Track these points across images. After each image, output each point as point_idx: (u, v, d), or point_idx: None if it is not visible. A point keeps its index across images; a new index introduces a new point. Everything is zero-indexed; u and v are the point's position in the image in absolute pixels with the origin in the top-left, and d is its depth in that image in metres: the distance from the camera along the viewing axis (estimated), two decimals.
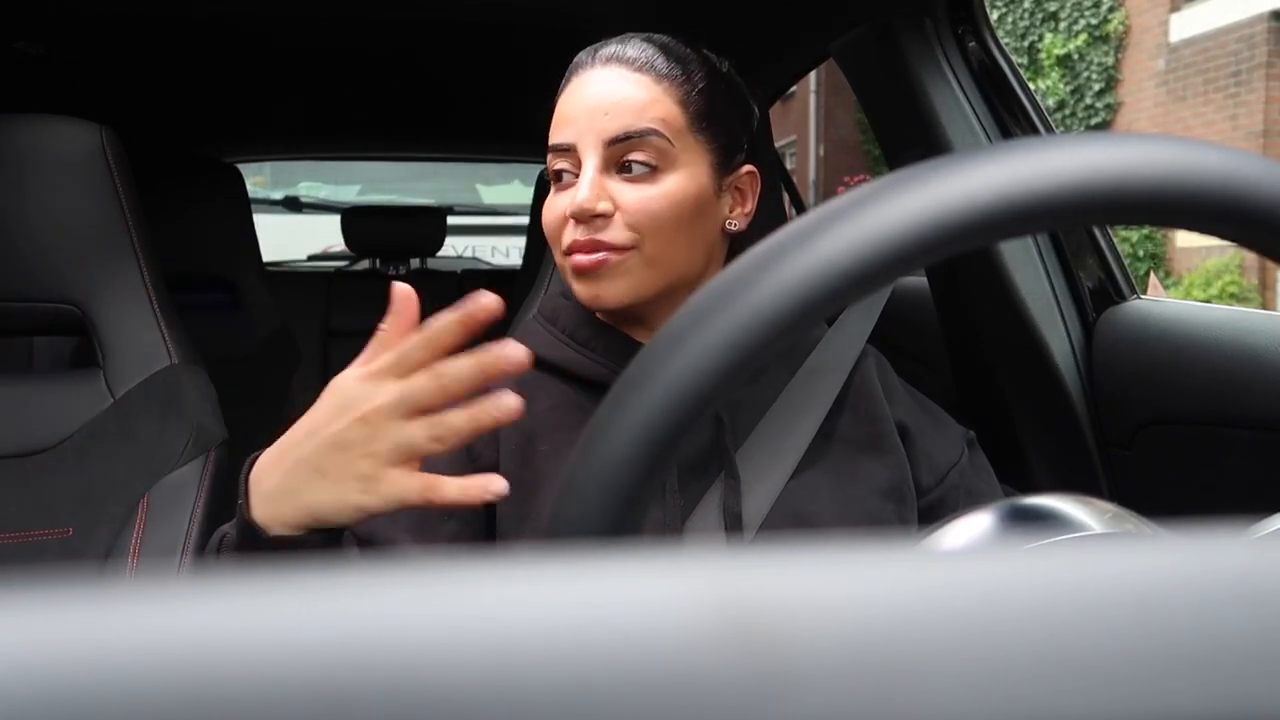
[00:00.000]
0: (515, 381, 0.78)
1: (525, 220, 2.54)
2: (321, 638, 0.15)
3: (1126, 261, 1.18)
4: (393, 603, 0.16)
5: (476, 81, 2.01)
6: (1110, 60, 8.23)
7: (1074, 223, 0.36)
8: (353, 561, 0.67)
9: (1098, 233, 1.17)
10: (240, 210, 2.21)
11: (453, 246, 3.23)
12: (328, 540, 0.59)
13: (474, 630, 0.15)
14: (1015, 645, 0.16)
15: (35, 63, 1.71)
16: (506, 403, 0.55)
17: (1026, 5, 8.85)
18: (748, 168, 0.79)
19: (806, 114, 12.11)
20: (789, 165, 10.26)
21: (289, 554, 0.59)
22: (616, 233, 0.72)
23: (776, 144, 3.30)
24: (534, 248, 2.02)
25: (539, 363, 0.79)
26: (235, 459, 0.70)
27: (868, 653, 0.15)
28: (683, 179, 0.73)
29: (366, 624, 0.15)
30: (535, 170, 2.41)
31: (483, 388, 0.56)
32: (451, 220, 2.91)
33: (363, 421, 0.55)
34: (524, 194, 3.67)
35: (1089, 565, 0.17)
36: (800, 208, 1.98)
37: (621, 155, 0.73)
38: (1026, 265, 1.16)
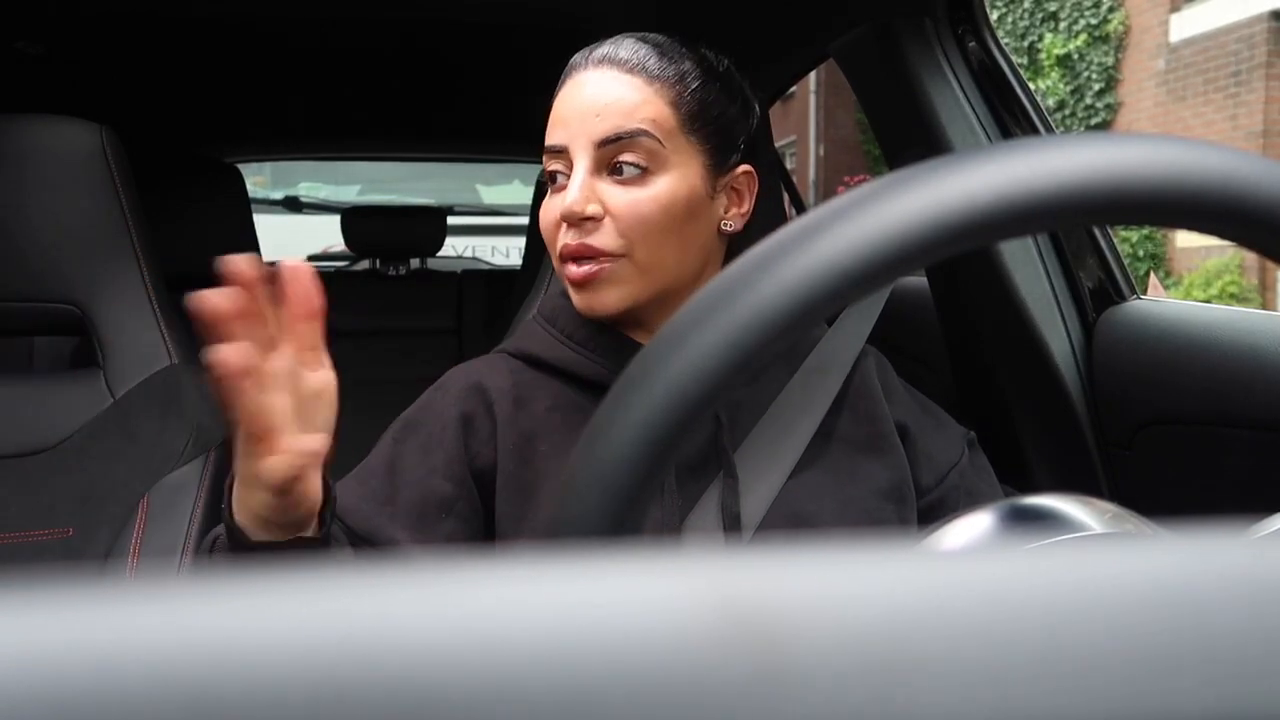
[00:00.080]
0: (515, 382, 0.79)
1: (525, 220, 2.54)
2: (322, 638, 0.15)
3: (1126, 261, 1.18)
4: (393, 603, 0.16)
5: (476, 81, 2.01)
6: (1110, 60, 8.23)
7: (1074, 223, 0.36)
8: (350, 561, 0.67)
9: (1098, 233, 1.17)
10: (240, 210, 2.21)
11: (453, 246, 3.23)
12: (309, 546, 0.60)
13: (474, 630, 0.15)
14: (1015, 645, 0.16)
15: (35, 63, 1.71)
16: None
17: (1026, 5, 8.85)
18: (744, 168, 0.79)
19: (806, 114, 12.11)
20: (789, 165, 10.26)
21: (273, 557, 0.59)
22: (607, 238, 0.72)
23: (776, 144, 3.30)
24: (534, 248, 2.02)
25: (538, 363, 0.80)
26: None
27: (868, 653, 0.15)
28: (674, 181, 0.73)
29: (367, 624, 0.15)
30: (535, 170, 2.41)
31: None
32: (451, 220, 2.90)
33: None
34: (524, 194, 3.68)
35: (1089, 565, 0.17)
36: (800, 208, 1.98)
37: (613, 157, 0.73)
38: (1026, 265, 1.16)
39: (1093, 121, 8.34)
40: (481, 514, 0.76)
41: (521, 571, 0.17)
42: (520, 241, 2.80)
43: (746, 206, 0.79)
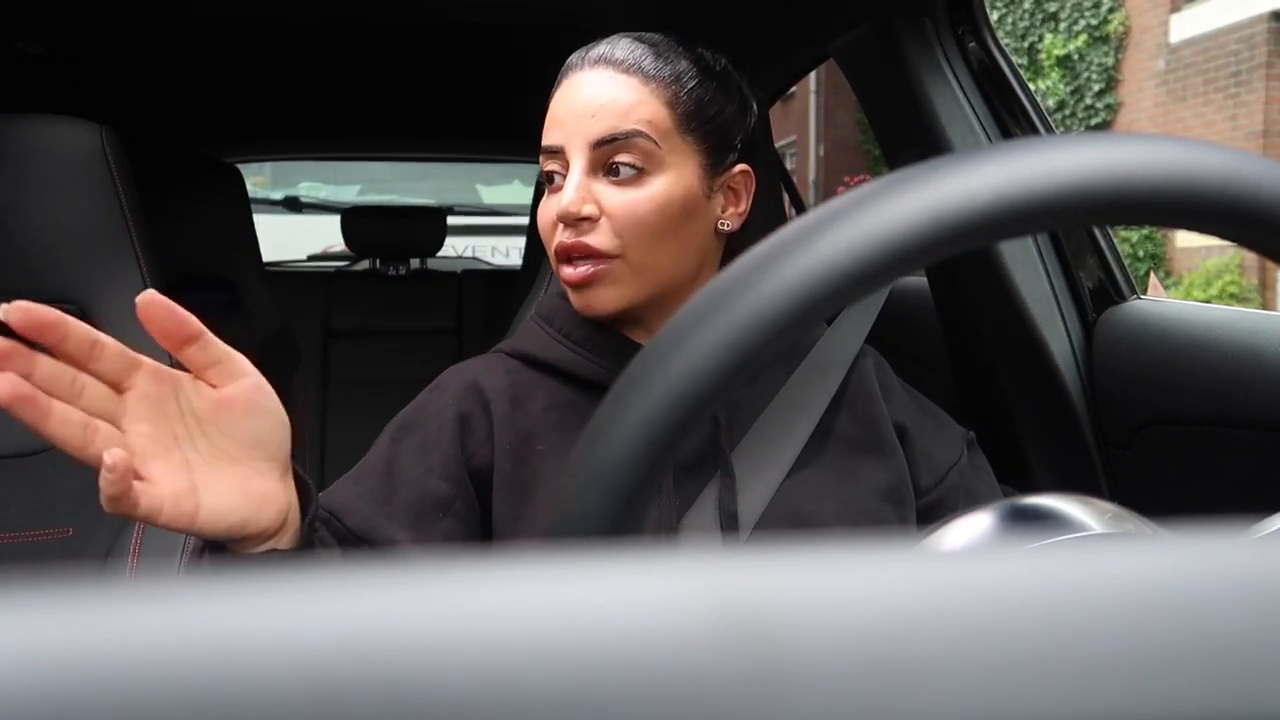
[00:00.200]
0: (512, 382, 0.79)
1: (525, 220, 2.53)
2: (323, 638, 0.15)
3: (1126, 261, 1.18)
4: (393, 603, 0.16)
5: (476, 81, 2.01)
6: (1110, 60, 8.23)
7: (1074, 223, 0.36)
8: (346, 561, 0.67)
9: (1098, 233, 1.17)
10: (240, 210, 2.21)
11: (453, 246, 3.23)
12: (287, 554, 0.60)
13: (473, 630, 0.15)
14: (1015, 645, 0.16)
15: (35, 63, 1.71)
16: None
17: (1026, 5, 8.85)
18: (741, 167, 0.79)
19: (806, 114, 12.11)
20: (789, 165, 10.26)
21: (253, 563, 0.59)
22: (602, 238, 0.72)
23: (776, 144, 3.29)
24: (534, 248, 2.02)
25: (535, 363, 0.80)
26: None
27: (867, 653, 0.15)
28: (670, 181, 0.73)
29: (367, 624, 0.15)
30: (535, 170, 2.40)
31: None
32: (451, 220, 2.90)
33: None
34: (524, 194, 3.67)
35: (1089, 565, 0.17)
36: (800, 208, 1.98)
37: (608, 157, 0.73)
38: (1026, 265, 1.16)
39: (1093, 122, 8.34)
40: (479, 514, 0.76)
41: (520, 571, 0.17)
42: (520, 241, 2.81)
43: (744, 206, 0.79)
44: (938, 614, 0.16)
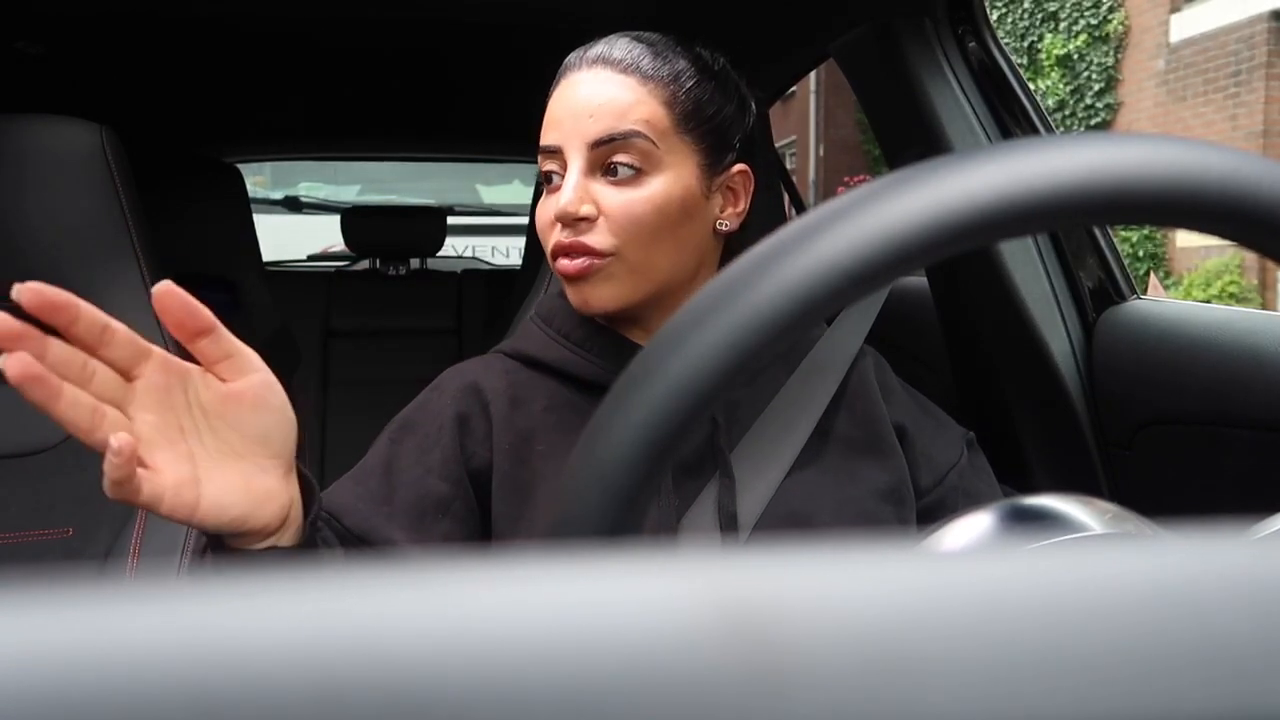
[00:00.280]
0: (511, 382, 0.79)
1: (525, 220, 2.53)
2: (323, 638, 0.15)
3: (1126, 261, 1.18)
4: (393, 603, 0.16)
5: (476, 81, 2.01)
6: (1110, 60, 8.23)
7: (1074, 223, 0.36)
8: (345, 562, 0.67)
9: (1098, 233, 1.17)
10: (240, 210, 2.21)
11: (453, 246, 3.23)
12: (290, 551, 0.60)
13: (473, 630, 0.15)
14: (1015, 645, 0.16)
15: (35, 63, 1.71)
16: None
17: (1026, 5, 8.85)
18: (739, 167, 0.78)
19: (806, 114, 12.11)
20: (789, 165, 10.26)
21: (256, 560, 0.59)
22: (600, 237, 0.72)
23: (776, 144, 3.29)
24: (534, 248, 2.02)
25: (535, 363, 0.80)
26: None
27: (866, 653, 0.15)
28: (668, 181, 0.73)
29: (367, 624, 0.15)
30: (535, 170, 2.40)
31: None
32: (451, 220, 2.90)
33: None
34: (524, 194, 3.68)
35: (1089, 565, 0.17)
36: (800, 208, 1.98)
37: (606, 158, 0.73)
38: (1026, 265, 1.16)
39: (1093, 122, 8.34)
40: (478, 514, 0.76)
41: (519, 572, 0.17)
42: (520, 241, 2.81)
43: (742, 206, 0.79)
44: (937, 614, 0.16)
